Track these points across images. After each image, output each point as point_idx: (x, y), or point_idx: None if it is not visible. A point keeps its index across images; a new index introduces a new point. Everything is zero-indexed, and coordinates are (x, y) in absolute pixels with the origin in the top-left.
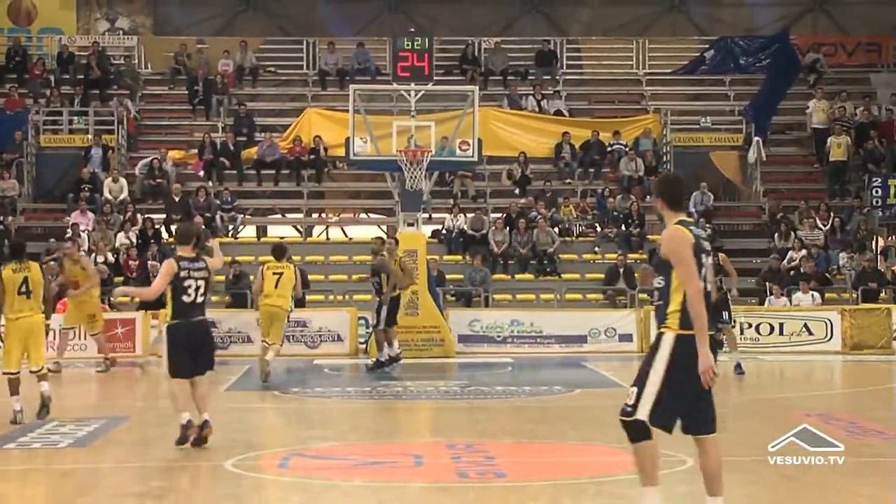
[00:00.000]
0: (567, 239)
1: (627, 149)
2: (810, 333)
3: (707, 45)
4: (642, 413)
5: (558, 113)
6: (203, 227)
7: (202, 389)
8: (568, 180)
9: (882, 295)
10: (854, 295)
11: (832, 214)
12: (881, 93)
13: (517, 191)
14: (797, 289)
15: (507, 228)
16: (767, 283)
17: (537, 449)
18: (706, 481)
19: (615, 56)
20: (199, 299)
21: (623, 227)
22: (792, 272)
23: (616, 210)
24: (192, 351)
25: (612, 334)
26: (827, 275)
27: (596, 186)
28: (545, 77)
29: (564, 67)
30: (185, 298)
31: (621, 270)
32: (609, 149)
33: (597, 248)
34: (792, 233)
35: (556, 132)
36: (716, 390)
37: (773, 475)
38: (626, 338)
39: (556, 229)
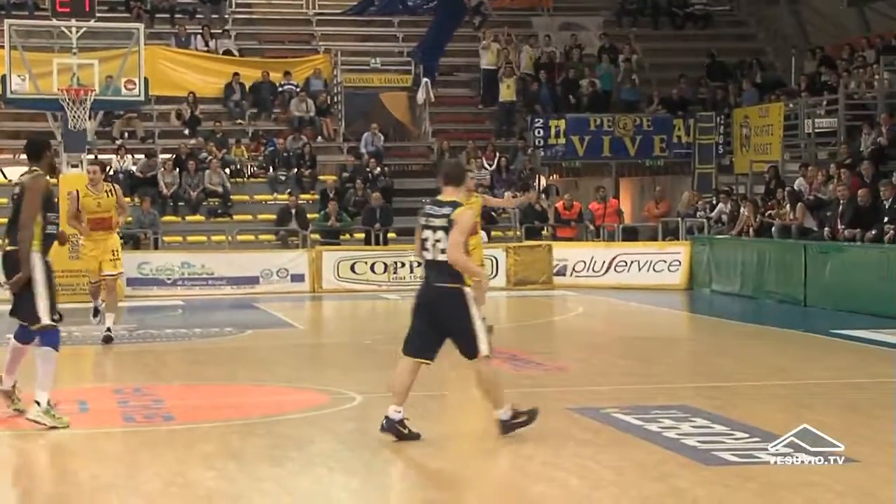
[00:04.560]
0: (238, 180)
1: (298, 89)
2: None
3: None
4: None
5: (227, 52)
6: None
7: None
8: (238, 121)
9: (544, 232)
10: (518, 233)
11: (498, 154)
12: (542, 36)
13: (187, 131)
14: None
15: (177, 170)
16: None
17: (207, 391)
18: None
19: None
20: None
21: (295, 169)
22: None
23: (287, 151)
24: None
25: (284, 275)
26: (493, 213)
27: (267, 127)
28: (213, 16)
29: (233, 7)
30: None
31: (293, 211)
32: (280, 89)
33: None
34: None
35: (226, 72)
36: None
37: (439, 407)
38: (299, 278)
39: (228, 170)
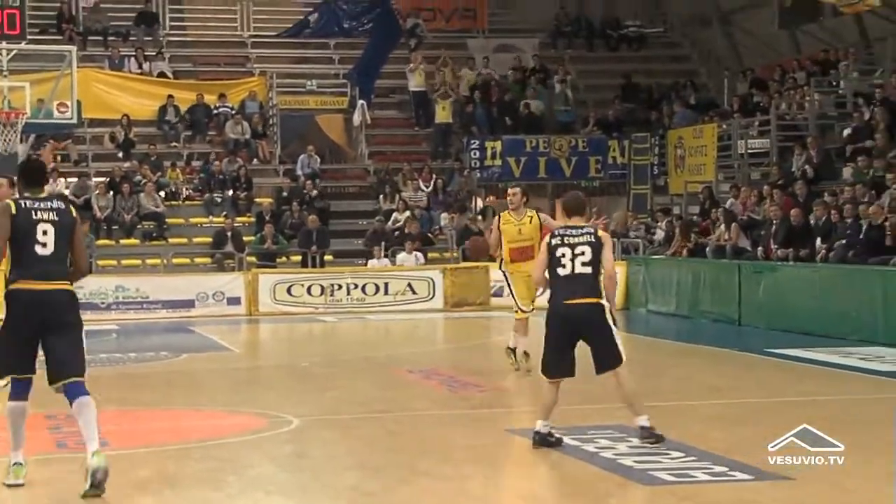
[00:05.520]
0: (174, 203)
1: (233, 112)
2: (414, 292)
3: (311, 8)
4: None
5: (162, 75)
6: None
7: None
8: (173, 143)
9: None
10: (455, 254)
11: (435, 176)
12: (478, 58)
13: (121, 154)
14: (402, 249)
15: (111, 193)
16: (381, 244)
17: (143, 415)
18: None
19: (219, 17)
20: None
21: (231, 191)
22: (397, 233)
23: (223, 174)
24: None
25: (220, 298)
26: (430, 235)
27: (202, 150)
28: (147, 38)
29: (167, 29)
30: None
31: (229, 234)
32: (215, 112)
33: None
34: (396, 194)
35: (160, 94)
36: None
37: (377, 430)
38: (235, 301)
39: (163, 193)
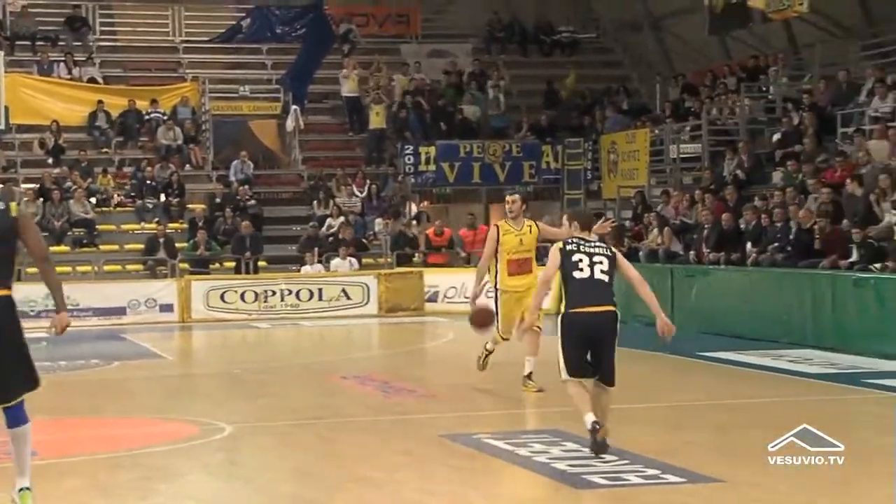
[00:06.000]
0: (105, 209)
1: (165, 117)
2: (348, 298)
3: (243, 14)
4: None
5: (92, 80)
6: None
7: None
8: (104, 149)
9: (415, 259)
10: (389, 259)
11: (369, 181)
12: (411, 63)
13: (50, 160)
14: (336, 255)
15: (41, 199)
16: (315, 250)
17: (73, 424)
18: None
19: (150, 22)
20: None
21: (162, 197)
22: (331, 238)
23: (155, 180)
24: None
25: (152, 305)
26: (364, 240)
27: (133, 156)
28: (77, 43)
29: (98, 33)
30: None
31: (161, 240)
32: (146, 117)
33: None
34: (330, 200)
35: (90, 100)
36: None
37: (311, 436)
38: (167, 308)
39: (93, 200)
